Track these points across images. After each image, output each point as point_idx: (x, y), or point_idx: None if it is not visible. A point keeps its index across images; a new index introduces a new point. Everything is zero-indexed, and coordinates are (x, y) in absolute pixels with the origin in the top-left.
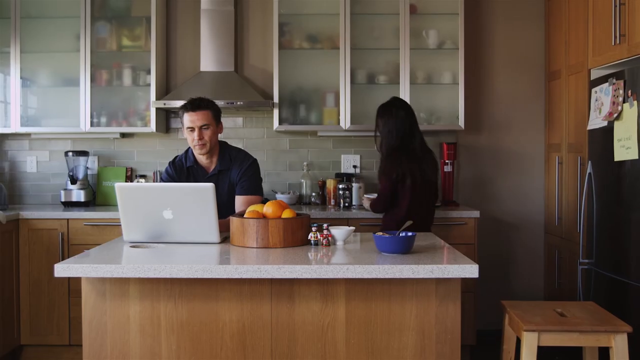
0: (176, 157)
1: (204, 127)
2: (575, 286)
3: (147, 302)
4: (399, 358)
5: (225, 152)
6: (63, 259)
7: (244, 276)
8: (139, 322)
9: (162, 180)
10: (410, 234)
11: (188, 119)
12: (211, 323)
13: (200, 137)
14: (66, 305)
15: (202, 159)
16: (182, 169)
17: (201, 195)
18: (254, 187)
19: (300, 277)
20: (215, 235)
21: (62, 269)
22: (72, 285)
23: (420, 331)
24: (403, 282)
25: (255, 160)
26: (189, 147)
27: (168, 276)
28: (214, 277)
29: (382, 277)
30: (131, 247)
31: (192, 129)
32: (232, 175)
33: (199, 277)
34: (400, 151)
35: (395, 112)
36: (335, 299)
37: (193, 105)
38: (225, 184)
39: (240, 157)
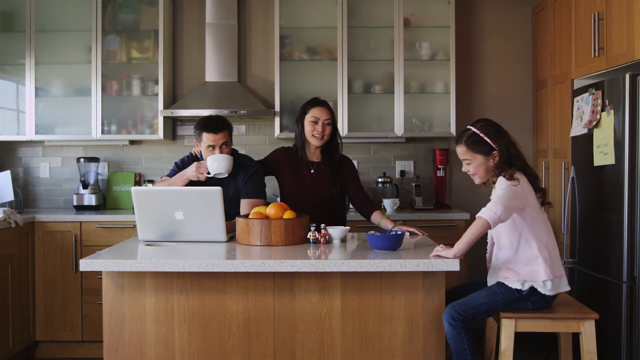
0: (191, 153)
1: (223, 145)
2: None
3: (161, 295)
4: (389, 344)
5: (235, 159)
6: (76, 260)
7: (249, 270)
8: (154, 313)
9: (175, 164)
10: (399, 232)
11: (210, 138)
12: (219, 313)
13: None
14: (79, 303)
15: None
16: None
17: (209, 198)
18: (258, 191)
19: (300, 270)
20: (222, 235)
21: (87, 264)
22: (85, 284)
23: (409, 320)
24: (393, 275)
25: (260, 167)
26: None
27: (181, 270)
28: (222, 270)
29: (373, 270)
30: (146, 245)
31: (212, 147)
32: (238, 181)
33: (209, 270)
34: None
35: None
36: (332, 292)
37: (216, 127)
38: (232, 187)
39: (246, 164)
